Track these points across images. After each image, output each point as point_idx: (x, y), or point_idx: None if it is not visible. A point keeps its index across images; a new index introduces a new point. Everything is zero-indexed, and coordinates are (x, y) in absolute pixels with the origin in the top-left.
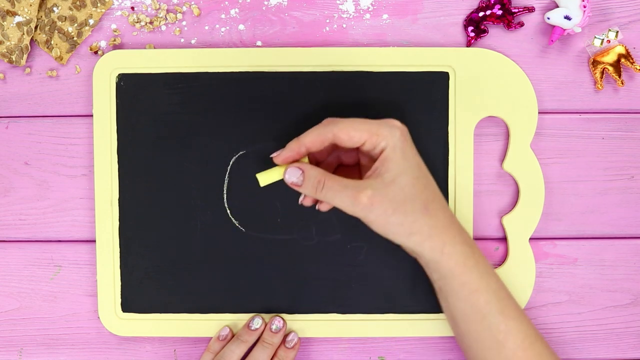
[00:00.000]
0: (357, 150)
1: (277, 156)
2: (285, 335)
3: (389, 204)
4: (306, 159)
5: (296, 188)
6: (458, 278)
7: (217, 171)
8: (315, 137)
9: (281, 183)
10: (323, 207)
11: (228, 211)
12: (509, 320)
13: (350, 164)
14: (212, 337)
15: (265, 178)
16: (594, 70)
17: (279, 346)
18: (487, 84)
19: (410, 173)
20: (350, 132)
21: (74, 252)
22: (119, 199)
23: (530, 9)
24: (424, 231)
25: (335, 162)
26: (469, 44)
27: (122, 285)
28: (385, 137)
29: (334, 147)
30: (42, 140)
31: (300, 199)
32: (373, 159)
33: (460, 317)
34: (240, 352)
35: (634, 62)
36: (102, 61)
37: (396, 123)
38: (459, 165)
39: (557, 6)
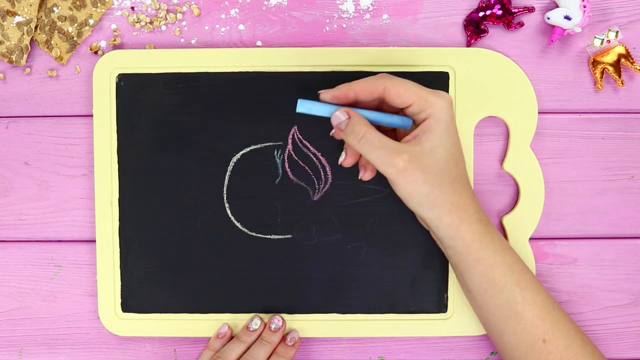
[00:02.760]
0: (401, 111)
1: (324, 92)
2: (286, 334)
3: (421, 173)
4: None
5: (338, 133)
6: (474, 254)
7: (217, 171)
8: (366, 86)
9: (282, 183)
10: (366, 176)
11: (228, 211)
12: (526, 291)
13: (386, 129)
14: (211, 336)
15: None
16: (594, 70)
17: (278, 344)
18: (487, 84)
19: (448, 148)
20: (400, 90)
21: (74, 252)
22: (119, 199)
23: (530, 9)
24: (446, 207)
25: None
26: (469, 44)
27: (122, 285)
28: (433, 105)
29: (379, 104)
30: (42, 140)
31: (341, 159)
32: (415, 124)
33: (477, 291)
34: (239, 351)
35: (634, 62)
36: (102, 61)
37: (446, 96)
38: None
39: (557, 6)
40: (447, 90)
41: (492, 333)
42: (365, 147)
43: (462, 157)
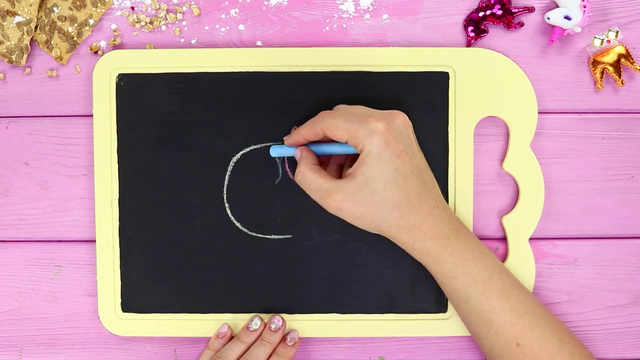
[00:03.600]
0: None
1: (286, 138)
2: (286, 334)
3: (357, 207)
4: None
5: None
6: (432, 268)
7: (217, 171)
8: (308, 131)
9: (282, 183)
10: None
11: (228, 211)
12: (492, 300)
13: None
14: (211, 336)
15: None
16: (594, 70)
17: (278, 344)
18: (487, 84)
19: (383, 177)
20: (333, 130)
21: (74, 252)
22: (119, 199)
23: (530, 9)
24: (393, 230)
25: None
26: (469, 44)
27: (122, 285)
28: (362, 140)
29: None
30: (42, 140)
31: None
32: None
33: (449, 297)
34: (239, 351)
35: (634, 62)
36: (102, 61)
37: (377, 125)
38: (459, 165)
39: (557, 6)
40: (447, 90)
41: (471, 334)
42: (305, 187)
43: (408, 180)
